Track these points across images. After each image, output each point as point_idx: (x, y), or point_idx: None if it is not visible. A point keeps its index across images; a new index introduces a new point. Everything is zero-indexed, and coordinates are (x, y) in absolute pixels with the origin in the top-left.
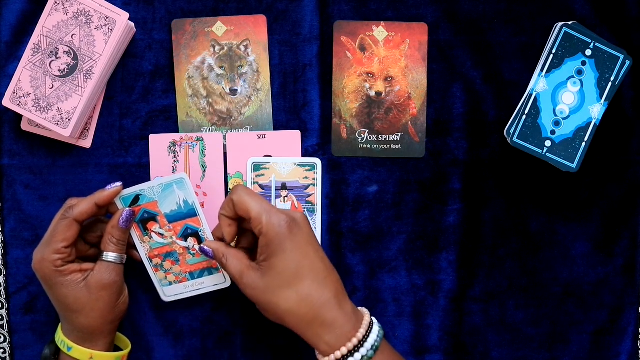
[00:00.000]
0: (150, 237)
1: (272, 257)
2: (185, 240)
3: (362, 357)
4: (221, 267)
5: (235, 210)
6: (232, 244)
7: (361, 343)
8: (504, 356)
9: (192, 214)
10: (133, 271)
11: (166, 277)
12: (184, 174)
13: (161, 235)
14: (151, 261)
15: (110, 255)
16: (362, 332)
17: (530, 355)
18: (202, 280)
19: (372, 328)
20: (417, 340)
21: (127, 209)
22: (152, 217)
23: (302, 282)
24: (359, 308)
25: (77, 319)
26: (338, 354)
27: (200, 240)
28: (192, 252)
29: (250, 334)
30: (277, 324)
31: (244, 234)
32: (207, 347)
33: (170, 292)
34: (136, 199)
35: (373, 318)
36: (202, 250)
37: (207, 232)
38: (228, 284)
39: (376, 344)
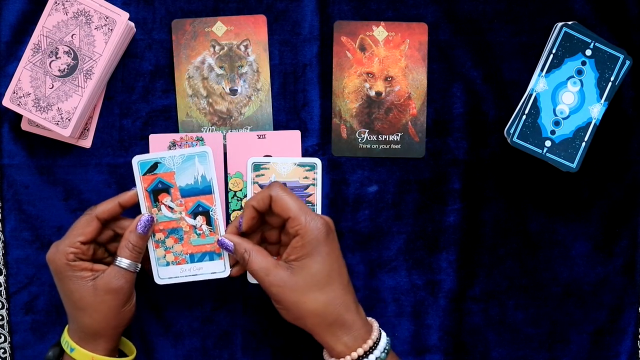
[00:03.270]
0: (159, 210)
1: (305, 258)
2: (194, 218)
3: (376, 358)
4: (242, 262)
5: (270, 205)
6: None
7: (375, 345)
8: (504, 356)
9: (207, 191)
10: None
11: (165, 256)
12: (208, 148)
13: (171, 209)
14: (154, 235)
15: (123, 262)
16: (375, 334)
17: (530, 355)
18: (201, 265)
19: (380, 333)
20: (417, 340)
21: (147, 215)
22: (166, 189)
23: (331, 285)
24: None
25: (81, 318)
26: (355, 354)
27: (209, 220)
28: (198, 232)
29: (250, 334)
30: (277, 324)
31: (270, 229)
32: (207, 347)
33: (165, 274)
34: (154, 166)
35: None
36: (221, 243)
37: (218, 213)
38: (227, 273)
39: (387, 347)
